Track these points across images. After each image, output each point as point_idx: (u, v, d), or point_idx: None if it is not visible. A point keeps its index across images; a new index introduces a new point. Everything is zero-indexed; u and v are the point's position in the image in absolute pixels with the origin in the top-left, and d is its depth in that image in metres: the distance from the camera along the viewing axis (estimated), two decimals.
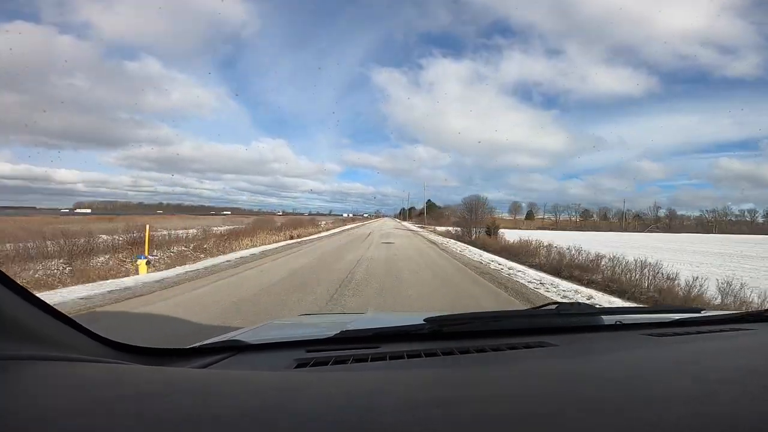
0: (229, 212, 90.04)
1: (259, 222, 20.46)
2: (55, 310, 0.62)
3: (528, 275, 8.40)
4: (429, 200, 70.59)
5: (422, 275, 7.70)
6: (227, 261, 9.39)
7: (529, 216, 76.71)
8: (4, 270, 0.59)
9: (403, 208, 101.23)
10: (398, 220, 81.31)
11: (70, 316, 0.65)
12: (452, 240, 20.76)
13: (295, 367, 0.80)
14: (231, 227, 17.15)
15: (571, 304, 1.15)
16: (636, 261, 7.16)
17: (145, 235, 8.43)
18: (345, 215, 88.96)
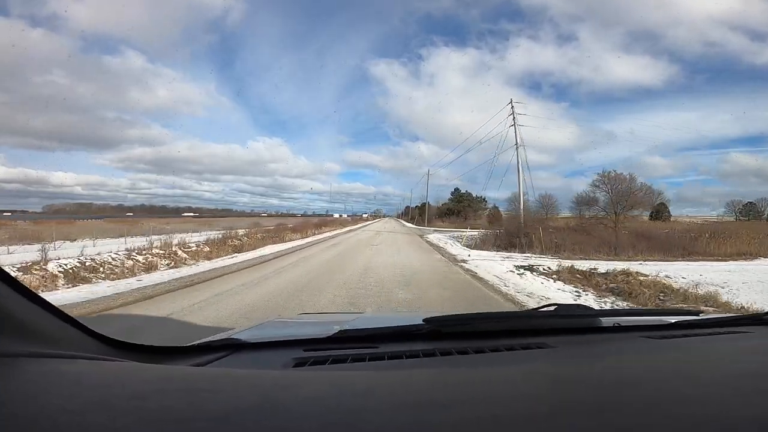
0: (193, 213, 72.68)
1: None
2: (53, 306, 0.62)
3: None
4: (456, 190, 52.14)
5: None
6: None
7: (660, 214, 35.37)
8: None
9: (408, 206, 79.54)
10: (403, 222, 63.39)
11: (68, 313, 0.65)
12: None
13: (293, 366, 0.80)
14: None
15: (570, 305, 1.15)
16: None
17: None
18: (336, 215, 73.13)
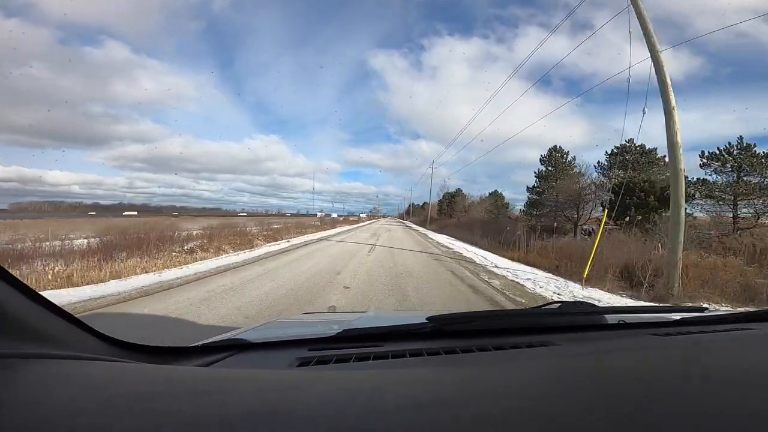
0: (136, 212, 59.51)
1: None
2: (58, 307, 0.63)
3: None
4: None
5: None
6: None
7: None
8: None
9: (411, 204, 64.03)
10: (411, 225, 44.58)
11: (73, 314, 0.66)
12: None
13: (297, 366, 0.81)
14: None
15: (574, 303, 1.15)
16: None
17: None
18: (320, 214, 57.95)
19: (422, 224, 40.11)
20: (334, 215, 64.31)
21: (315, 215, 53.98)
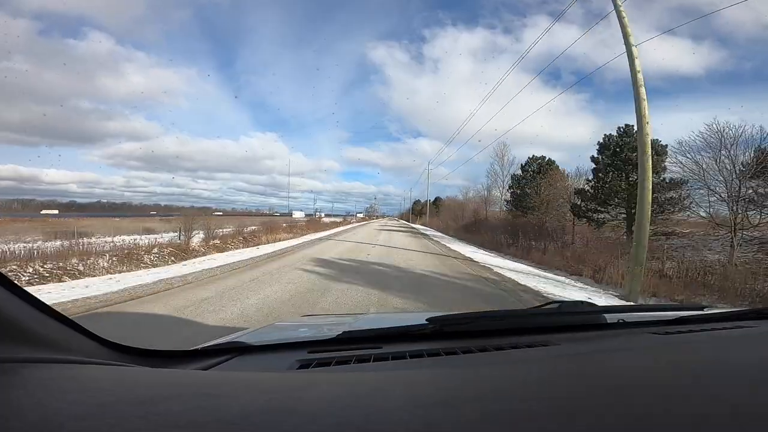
0: (57, 211, 57.31)
1: None
2: (55, 311, 0.62)
3: None
4: None
5: None
6: None
7: None
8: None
9: (427, 202, 46.32)
10: (425, 232, 28.61)
11: (70, 317, 0.65)
12: None
13: (298, 368, 0.81)
14: None
15: (574, 302, 1.15)
16: None
17: None
18: (297, 214, 53.07)
19: (461, 235, 22.56)
20: (322, 215, 56.70)
21: (291, 215, 47.15)
